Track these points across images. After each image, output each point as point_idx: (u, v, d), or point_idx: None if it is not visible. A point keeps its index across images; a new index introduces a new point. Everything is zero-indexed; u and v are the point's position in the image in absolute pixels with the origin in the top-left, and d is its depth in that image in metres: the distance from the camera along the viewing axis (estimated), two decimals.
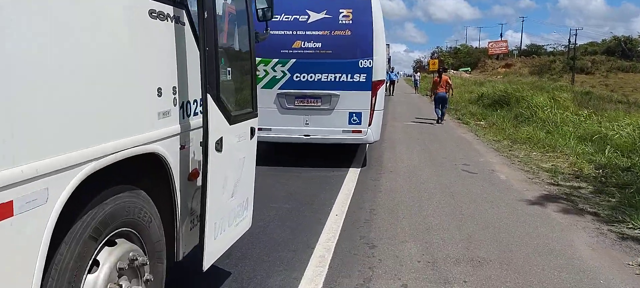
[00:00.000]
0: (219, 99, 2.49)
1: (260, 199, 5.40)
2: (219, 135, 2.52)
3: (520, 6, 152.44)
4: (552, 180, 6.68)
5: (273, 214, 4.76)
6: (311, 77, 6.78)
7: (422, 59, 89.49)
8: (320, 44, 6.74)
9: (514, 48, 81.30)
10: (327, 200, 5.34)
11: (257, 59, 6.90)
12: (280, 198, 5.37)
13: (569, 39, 72.76)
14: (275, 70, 6.80)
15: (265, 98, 6.86)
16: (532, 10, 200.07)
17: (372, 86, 6.75)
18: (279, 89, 6.83)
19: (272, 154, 8.06)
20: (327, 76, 6.77)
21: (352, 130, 6.88)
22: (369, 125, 6.85)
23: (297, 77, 6.79)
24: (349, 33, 6.72)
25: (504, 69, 70.56)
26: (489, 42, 78.75)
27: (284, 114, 6.91)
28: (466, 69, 73.20)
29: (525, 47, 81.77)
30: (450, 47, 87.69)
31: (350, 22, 6.71)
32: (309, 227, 4.41)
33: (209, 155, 2.43)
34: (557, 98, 18.10)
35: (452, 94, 15.41)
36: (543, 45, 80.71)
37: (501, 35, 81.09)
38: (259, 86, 7.36)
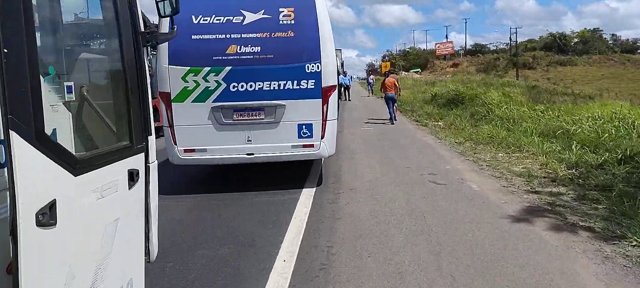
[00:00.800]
0: (40, 135, 1.39)
1: (187, 243, 4.19)
2: (47, 198, 1.41)
3: (460, 9, 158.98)
4: (529, 187, 5.93)
5: (201, 266, 3.63)
6: (251, 86, 5.71)
7: (374, 62, 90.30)
8: (259, 47, 5.68)
9: (459, 48, 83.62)
10: (274, 236, 4.27)
11: (184, 68, 5.78)
12: (214, 240, 4.24)
13: (510, 37, 75.75)
14: (207, 81, 5.68)
15: (198, 113, 5.73)
16: (471, 12, 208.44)
17: (323, 93, 5.77)
18: (213, 101, 5.71)
19: (209, 177, 6.89)
20: (270, 84, 5.72)
21: (303, 145, 5.86)
22: (322, 137, 5.85)
23: (234, 87, 5.69)
24: (292, 34, 5.70)
25: (452, 69, 72.27)
26: (436, 44, 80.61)
27: (221, 131, 5.79)
28: (416, 70, 74.39)
29: (470, 47, 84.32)
30: (400, 50, 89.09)
31: (293, 22, 5.70)
32: (248, 283, 3.34)
33: (22, 235, 1.33)
34: (509, 94, 17.93)
35: (399, 94, 15.79)
36: (486, 44, 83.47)
37: (446, 37, 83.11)
38: (189, 99, 6.15)
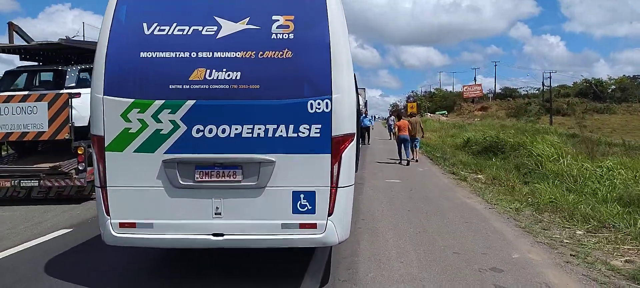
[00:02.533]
0: None
1: None
2: None
3: (487, 53, 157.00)
4: None
5: None
6: (224, 130, 3.71)
7: (398, 102, 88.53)
8: (239, 73, 3.71)
9: (487, 91, 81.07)
10: None
11: (127, 100, 3.73)
12: None
13: (542, 82, 72.70)
14: (159, 120, 3.72)
15: (143, 169, 3.75)
16: (499, 56, 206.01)
17: (333, 145, 3.71)
18: (166, 152, 3.73)
19: (149, 272, 4.84)
20: (253, 129, 3.71)
21: (300, 224, 3.76)
22: (330, 214, 3.74)
23: (198, 131, 3.71)
24: (290, 55, 3.73)
25: (480, 112, 69.61)
26: (464, 86, 78.40)
27: (176, 197, 3.77)
28: (443, 112, 72.12)
29: (500, 91, 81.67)
30: (426, 91, 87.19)
31: (292, 36, 3.74)
32: None
33: None
34: (558, 144, 15.46)
35: (423, 136, 16.37)
36: (516, 88, 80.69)
37: (475, 79, 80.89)
38: (131, 148, 3.61)
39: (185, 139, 3.70)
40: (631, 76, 74.34)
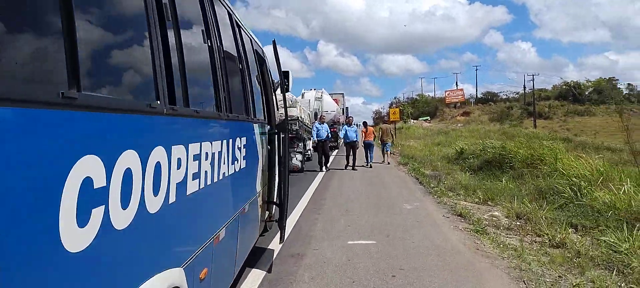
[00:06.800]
0: None
1: None
2: None
3: (463, 60, 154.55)
4: None
5: None
6: None
7: (381, 109, 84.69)
8: None
9: (469, 96, 77.90)
10: None
11: None
12: None
13: (524, 85, 69.67)
14: None
15: None
16: (475, 63, 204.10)
17: None
18: None
19: None
20: None
21: None
22: None
23: None
24: None
25: (463, 117, 66.17)
26: (446, 91, 75.05)
27: None
28: (425, 118, 68.54)
29: (481, 95, 78.58)
30: (408, 98, 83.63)
31: None
32: None
33: None
34: (581, 156, 11.35)
35: (392, 141, 17.92)
36: (498, 93, 77.69)
37: (456, 84, 77.61)
38: None
39: None
40: (607, 78, 72.07)
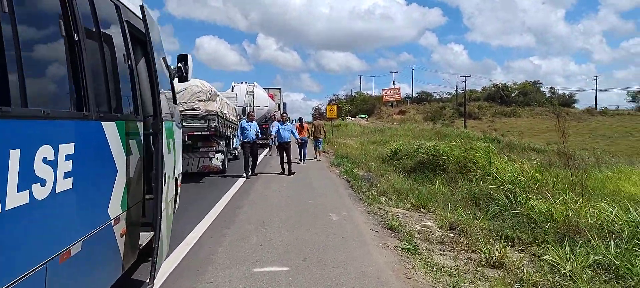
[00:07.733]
0: None
1: None
2: None
3: (400, 59, 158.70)
4: None
5: None
6: None
7: (320, 106, 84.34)
8: None
9: (405, 96, 79.81)
10: None
11: None
12: None
13: (456, 86, 72.42)
14: None
15: None
16: (411, 63, 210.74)
17: None
18: None
19: None
20: None
21: None
22: None
23: None
24: None
25: (399, 116, 67.49)
26: (383, 90, 76.29)
27: None
28: (363, 116, 69.05)
29: (417, 95, 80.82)
30: (348, 95, 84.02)
31: None
32: None
33: None
34: (516, 163, 11.11)
35: (324, 137, 19.15)
36: (432, 93, 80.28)
37: (394, 83, 79.22)
38: None
39: None
40: (532, 82, 76.97)
